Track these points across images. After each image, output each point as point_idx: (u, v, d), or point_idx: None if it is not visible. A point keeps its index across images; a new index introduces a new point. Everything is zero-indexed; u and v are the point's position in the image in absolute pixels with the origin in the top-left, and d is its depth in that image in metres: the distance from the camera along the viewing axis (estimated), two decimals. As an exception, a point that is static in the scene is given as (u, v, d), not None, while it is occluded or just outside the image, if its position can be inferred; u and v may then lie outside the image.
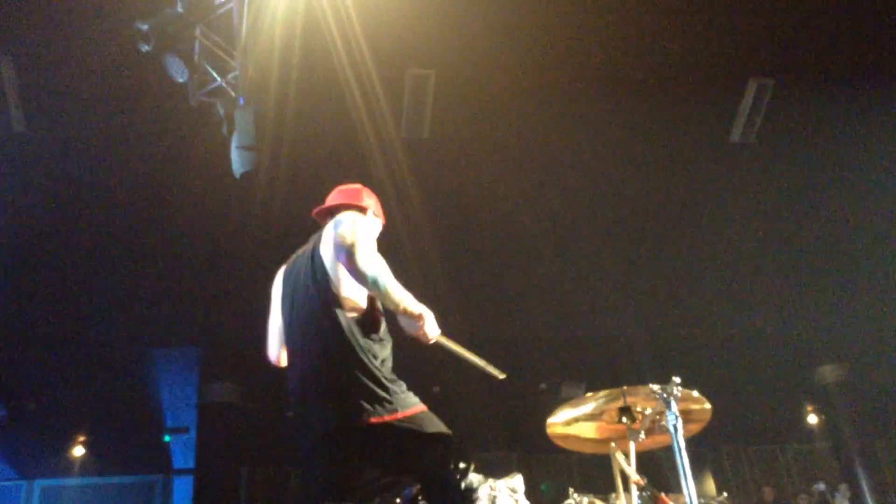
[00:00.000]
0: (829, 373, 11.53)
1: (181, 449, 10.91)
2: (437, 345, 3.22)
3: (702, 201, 8.52)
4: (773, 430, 12.57)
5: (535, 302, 9.62)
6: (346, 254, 2.96)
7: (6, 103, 6.61)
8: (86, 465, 10.82)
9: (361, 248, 2.97)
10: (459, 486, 2.85)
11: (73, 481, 10.77)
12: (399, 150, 7.55)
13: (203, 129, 6.63)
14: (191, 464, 10.64)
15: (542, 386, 12.02)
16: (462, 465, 2.89)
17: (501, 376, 3.20)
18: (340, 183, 3.64)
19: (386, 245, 3.54)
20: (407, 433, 2.90)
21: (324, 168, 6.94)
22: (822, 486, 11.07)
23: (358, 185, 3.52)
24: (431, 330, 3.07)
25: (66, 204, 7.49)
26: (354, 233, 3.03)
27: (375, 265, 2.98)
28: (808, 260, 9.28)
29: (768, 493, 10.79)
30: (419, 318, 3.03)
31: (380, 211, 3.49)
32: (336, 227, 3.13)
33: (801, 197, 8.66)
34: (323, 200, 3.62)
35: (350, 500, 2.85)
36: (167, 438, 10.93)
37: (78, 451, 10.85)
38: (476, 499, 2.84)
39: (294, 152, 6.66)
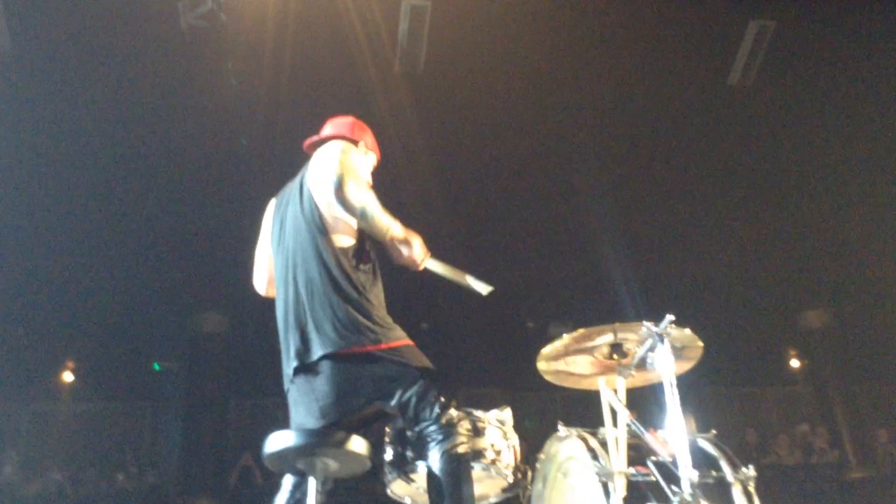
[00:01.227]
0: (813, 318, 11.69)
1: (170, 379, 11.01)
2: (426, 272, 3.20)
3: (697, 143, 8.47)
4: (756, 373, 12.76)
5: (526, 239, 9.62)
6: (335, 183, 2.93)
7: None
8: (75, 392, 10.92)
9: (349, 178, 2.94)
10: (440, 419, 2.86)
11: (62, 407, 10.85)
12: (395, 83, 7.44)
13: (194, 53, 6.50)
14: (179, 394, 10.77)
15: (530, 324, 12.13)
16: (443, 400, 2.91)
17: (488, 289, 3.16)
18: (335, 115, 3.58)
19: (382, 181, 3.50)
20: (390, 364, 2.90)
21: (320, 99, 6.84)
22: (805, 427, 11.32)
23: (350, 118, 3.46)
24: (419, 254, 3.04)
25: (54, 126, 7.35)
26: (342, 162, 2.99)
27: (363, 195, 2.95)
28: (800, 204, 9.29)
29: (751, 434, 11.01)
30: (408, 243, 3.01)
31: (374, 145, 3.44)
32: (324, 156, 3.09)
33: (797, 141, 8.62)
34: (317, 132, 3.56)
35: (333, 431, 2.86)
36: (157, 367, 11.02)
37: (67, 376, 10.94)
38: (456, 433, 2.85)
39: (291, 81, 6.56)
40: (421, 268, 3.11)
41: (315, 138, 3.39)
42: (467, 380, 11.50)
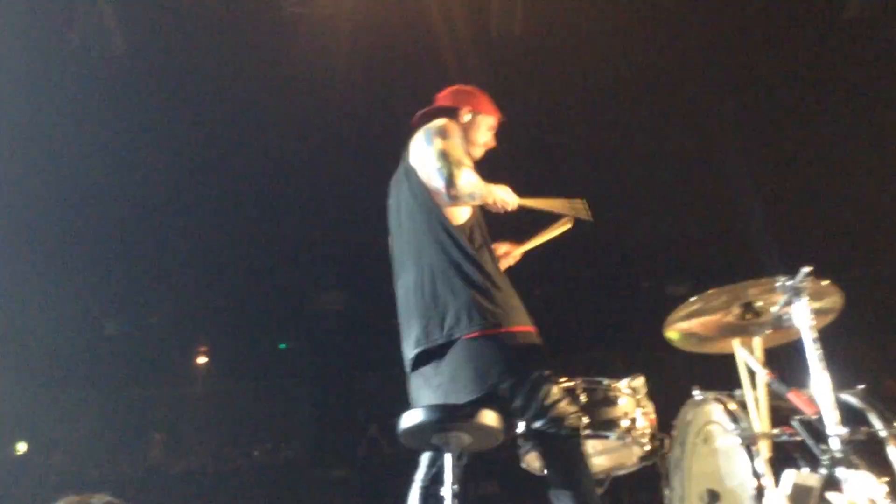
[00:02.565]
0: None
1: (297, 357, 11.40)
2: (521, 209, 3.25)
3: (817, 78, 8.01)
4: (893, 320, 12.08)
5: (637, 199, 9.38)
6: (444, 181, 2.95)
7: (104, 23, 6.68)
8: (210, 374, 11.46)
9: (454, 170, 2.94)
10: (549, 412, 2.83)
11: (199, 389, 11.41)
12: (489, 48, 7.34)
13: (295, 39, 6.61)
14: (307, 371, 11.15)
15: (645, 284, 11.89)
16: (555, 393, 2.88)
17: (586, 217, 3.22)
18: (427, 84, 3.58)
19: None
20: (505, 348, 2.89)
21: (419, 70, 6.83)
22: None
23: (454, 87, 3.44)
24: (509, 198, 3.11)
25: (170, 121, 7.64)
26: (441, 153, 2.99)
27: (468, 183, 2.96)
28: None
29: (890, 385, 10.46)
30: (504, 191, 3.11)
31: (486, 105, 3.38)
32: (421, 140, 3.09)
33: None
34: (410, 103, 3.56)
35: (465, 406, 2.88)
36: (283, 346, 11.43)
37: (201, 360, 11.49)
38: (566, 426, 2.82)
39: (381, 55, 6.58)
40: (511, 207, 3.13)
41: (420, 113, 3.39)
42: (584, 344, 11.41)
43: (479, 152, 3.37)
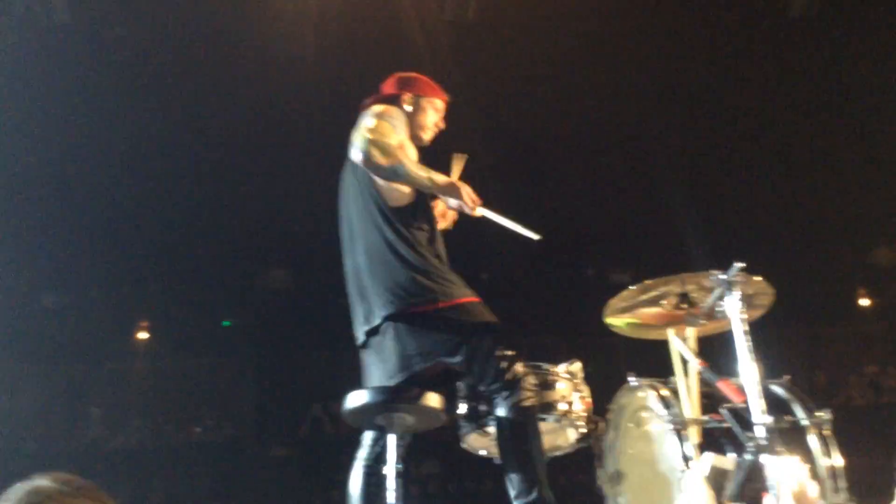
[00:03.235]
0: (884, 256, 11.40)
1: (241, 334, 11.32)
2: (481, 220, 3.32)
3: (760, 79, 8.23)
4: (824, 313, 12.52)
5: (584, 187, 9.54)
6: (362, 154, 2.97)
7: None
8: (151, 350, 11.32)
9: (372, 146, 2.97)
10: (505, 375, 2.92)
11: (139, 364, 11.26)
12: (442, 32, 7.35)
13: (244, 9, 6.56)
14: (251, 349, 11.10)
15: (589, 272, 12.08)
16: (508, 354, 2.96)
17: (537, 237, 3.28)
18: (378, 67, 3.61)
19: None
20: (451, 321, 2.96)
21: (370, 51, 6.83)
22: (874, 368, 11.13)
23: (393, 76, 3.48)
24: (471, 199, 3.14)
25: (113, 96, 7.50)
26: (365, 130, 3.02)
27: (390, 157, 2.98)
28: (872, 138, 8.99)
29: (819, 376, 10.89)
30: (454, 188, 3.09)
31: (424, 87, 3.42)
32: (357, 126, 3.14)
33: (861, 74, 8.30)
34: (362, 86, 3.59)
35: (409, 387, 2.94)
36: (227, 324, 11.35)
37: (142, 335, 11.34)
38: (521, 388, 2.91)
39: (333, 38, 6.56)
40: (475, 213, 3.20)
41: (365, 101, 3.42)
42: (528, 329, 11.56)
43: (428, 135, 3.42)
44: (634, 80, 7.94)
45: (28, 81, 7.04)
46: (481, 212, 3.27)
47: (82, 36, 6.85)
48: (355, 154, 2.99)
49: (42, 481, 1.48)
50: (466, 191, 3.16)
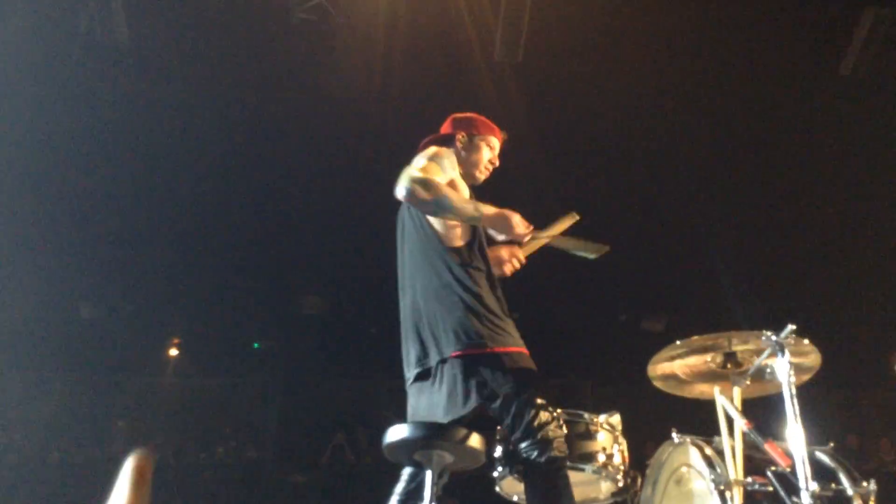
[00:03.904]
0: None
1: (270, 358, 11.37)
2: (534, 243, 3.33)
3: (809, 134, 8.19)
4: (858, 377, 12.30)
5: (626, 232, 9.52)
6: (404, 192, 2.99)
7: (109, 11, 6.67)
8: (180, 367, 11.40)
9: (414, 182, 2.97)
10: (537, 434, 2.89)
11: (168, 381, 11.35)
12: (495, 72, 7.44)
13: (305, 47, 6.67)
14: (278, 373, 11.14)
15: (622, 317, 12.00)
16: (543, 415, 2.94)
17: (603, 250, 3.30)
18: (436, 105, 3.65)
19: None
20: (494, 369, 2.95)
21: (425, 90, 6.92)
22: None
23: (451, 116, 3.53)
24: (520, 226, 3.11)
25: (166, 118, 7.66)
26: (413, 169, 3.05)
27: (432, 191, 2.98)
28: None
29: (852, 439, 10.67)
30: (503, 218, 3.10)
31: (479, 126, 3.46)
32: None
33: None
34: (422, 123, 3.65)
35: (451, 426, 2.94)
36: (257, 346, 11.41)
37: (173, 352, 11.43)
38: (551, 448, 2.88)
39: (396, 73, 6.66)
40: (527, 239, 3.20)
41: (423, 142, 3.48)
42: (554, 369, 11.49)
43: (483, 173, 3.46)
44: (683, 122, 7.93)
45: (83, 99, 7.23)
46: (534, 235, 3.24)
47: (140, 57, 7.02)
48: (399, 191, 3.01)
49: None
50: (517, 219, 3.15)
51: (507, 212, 3.15)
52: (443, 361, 3.01)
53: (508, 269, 3.47)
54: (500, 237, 3.26)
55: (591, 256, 3.28)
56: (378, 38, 6.63)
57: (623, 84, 7.56)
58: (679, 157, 8.29)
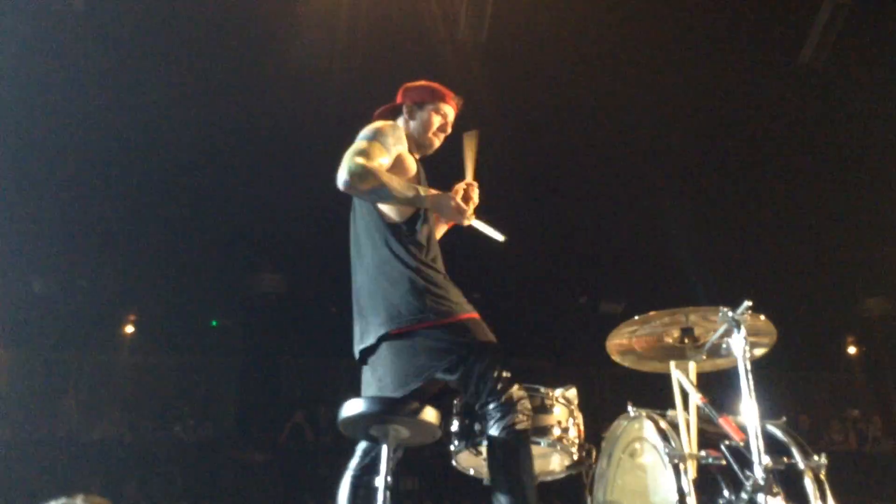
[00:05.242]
0: (873, 306, 11.48)
1: (227, 336, 11.26)
2: (472, 228, 3.31)
3: (767, 124, 8.30)
4: (810, 358, 12.59)
5: (585, 215, 9.57)
6: (342, 185, 2.95)
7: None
8: (136, 344, 11.23)
9: (352, 172, 2.92)
10: (500, 396, 2.90)
11: (123, 358, 11.17)
12: (455, 52, 7.39)
13: (267, 18, 6.57)
14: (235, 351, 11.03)
15: (582, 300, 12.10)
16: (505, 375, 2.94)
17: (501, 238, 3.26)
18: (398, 81, 3.60)
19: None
20: (446, 341, 2.95)
21: (382, 68, 6.84)
22: (855, 413, 11.17)
23: (404, 86, 3.48)
24: (460, 208, 3.11)
25: (121, 88, 7.48)
26: (351, 154, 3.00)
27: (369, 179, 2.93)
28: (870, 189, 9.07)
29: (804, 420, 10.91)
30: (443, 200, 3.08)
31: (426, 94, 3.38)
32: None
33: (867, 124, 8.39)
34: (384, 99, 3.60)
35: (406, 400, 2.92)
36: (214, 324, 11.28)
37: (128, 329, 11.26)
38: (515, 411, 2.89)
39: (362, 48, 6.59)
40: (467, 222, 3.18)
41: (375, 114, 3.44)
42: (516, 350, 11.54)
43: (433, 141, 3.39)
44: (643, 107, 7.98)
45: (36, 68, 7.03)
46: (475, 223, 3.23)
47: (95, 25, 6.83)
48: (338, 182, 2.97)
49: (75, 502, 1.52)
50: (457, 202, 3.12)
51: (448, 194, 3.12)
52: (384, 338, 2.99)
53: (470, 212, 3.35)
54: (444, 216, 3.23)
55: (501, 238, 3.27)
56: (341, 12, 6.53)
57: (586, 67, 7.58)
58: (639, 140, 8.35)
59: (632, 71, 7.64)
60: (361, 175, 2.91)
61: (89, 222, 9.02)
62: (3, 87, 7.06)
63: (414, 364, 2.95)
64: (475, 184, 3.36)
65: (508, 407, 2.89)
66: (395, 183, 2.97)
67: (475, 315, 3.08)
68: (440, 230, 3.47)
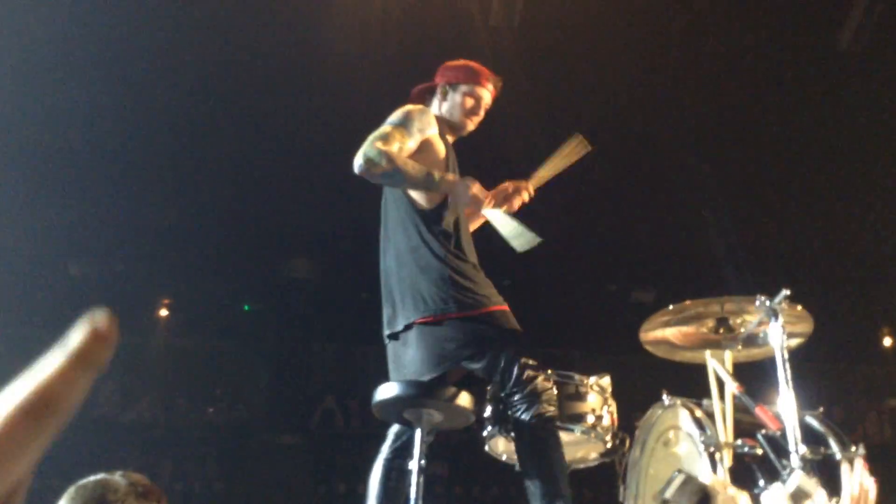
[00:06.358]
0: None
1: (260, 320, 11.34)
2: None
3: (802, 109, 8.17)
4: (845, 351, 12.39)
5: (616, 203, 9.49)
6: (357, 169, 2.95)
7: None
8: (170, 328, 11.37)
9: (367, 157, 2.94)
10: (526, 387, 2.90)
11: (158, 341, 11.30)
12: (488, 38, 7.35)
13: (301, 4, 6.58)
14: (268, 335, 11.13)
15: (612, 288, 12.01)
16: (531, 365, 2.94)
17: (535, 243, 3.19)
18: (432, 67, 3.57)
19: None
20: (472, 331, 2.95)
21: (419, 46, 6.83)
22: (893, 402, 11.01)
23: (443, 65, 3.47)
24: (478, 195, 3.07)
25: (152, 68, 7.52)
26: (371, 139, 3.00)
27: (382, 164, 2.93)
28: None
29: (837, 411, 10.78)
30: (460, 186, 3.04)
31: (466, 76, 3.36)
32: None
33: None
34: (416, 84, 3.59)
35: (441, 385, 2.94)
36: (247, 308, 11.39)
37: (163, 312, 11.39)
38: (540, 402, 2.89)
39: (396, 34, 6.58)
40: (486, 206, 3.14)
41: (413, 92, 3.44)
42: (544, 339, 11.51)
43: (465, 123, 3.36)
44: (677, 92, 7.88)
45: (71, 46, 7.04)
46: (490, 212, 3.17)
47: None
48: (354, 165, 2.97)
49: (114, 478, 1.51)
50: (476, 188, 3.08)
51: (465, 180, 3.08)
52: (409, 327, 3.00)
53: (517, 203, 3.38)
54: (462, 202, 3.18)
55: (519, 247, 3.17)
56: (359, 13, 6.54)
57: (619, 53, 7.50)
58: (673, 126, 8.25)
59: (666, 55, 7.54)
60: (375, 159, 2.92)
61: (126, 207, 9.12)
62: (45, 70, 7.12)
63: (439, 352, 2.97)
64: (532, 190, 3.34)
65: (533, 397, 2.90)
66: (410, 167, 2.96)
67: (502, 307, 3.07)
68: (476, 221, 3.45)
